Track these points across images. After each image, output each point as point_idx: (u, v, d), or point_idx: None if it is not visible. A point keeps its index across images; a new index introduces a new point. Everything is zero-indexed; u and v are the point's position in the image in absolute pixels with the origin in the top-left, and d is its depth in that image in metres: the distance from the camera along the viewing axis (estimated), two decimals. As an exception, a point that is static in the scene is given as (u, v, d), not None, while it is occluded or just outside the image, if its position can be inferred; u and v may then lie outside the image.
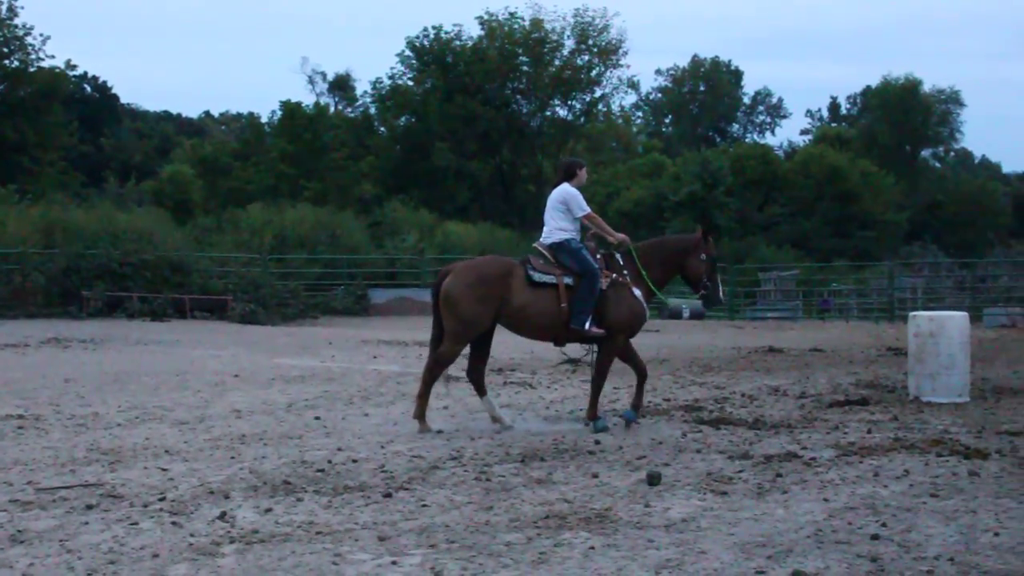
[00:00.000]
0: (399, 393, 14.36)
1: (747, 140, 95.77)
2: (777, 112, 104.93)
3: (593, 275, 11.27)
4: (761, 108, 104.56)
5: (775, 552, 6.46)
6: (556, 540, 6.73)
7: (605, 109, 69.34)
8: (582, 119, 66.02)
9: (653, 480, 8.42)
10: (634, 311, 11.54)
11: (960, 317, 13.96)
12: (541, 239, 11.68)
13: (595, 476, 8.77)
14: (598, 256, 11.55)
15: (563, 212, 11.54)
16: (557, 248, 11.48)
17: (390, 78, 63.26)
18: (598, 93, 65.46)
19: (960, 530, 6.98)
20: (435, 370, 11.48)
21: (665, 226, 61.14)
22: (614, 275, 11.47)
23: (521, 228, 56.41)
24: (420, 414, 11.32)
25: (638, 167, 72.65)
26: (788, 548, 6.55)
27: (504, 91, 62.36)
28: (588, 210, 11.60)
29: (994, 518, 7.28)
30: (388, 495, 8.07)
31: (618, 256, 11.69)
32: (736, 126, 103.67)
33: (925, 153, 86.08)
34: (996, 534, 6.86)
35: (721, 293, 12.27)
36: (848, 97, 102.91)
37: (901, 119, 79.86)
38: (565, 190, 11.62)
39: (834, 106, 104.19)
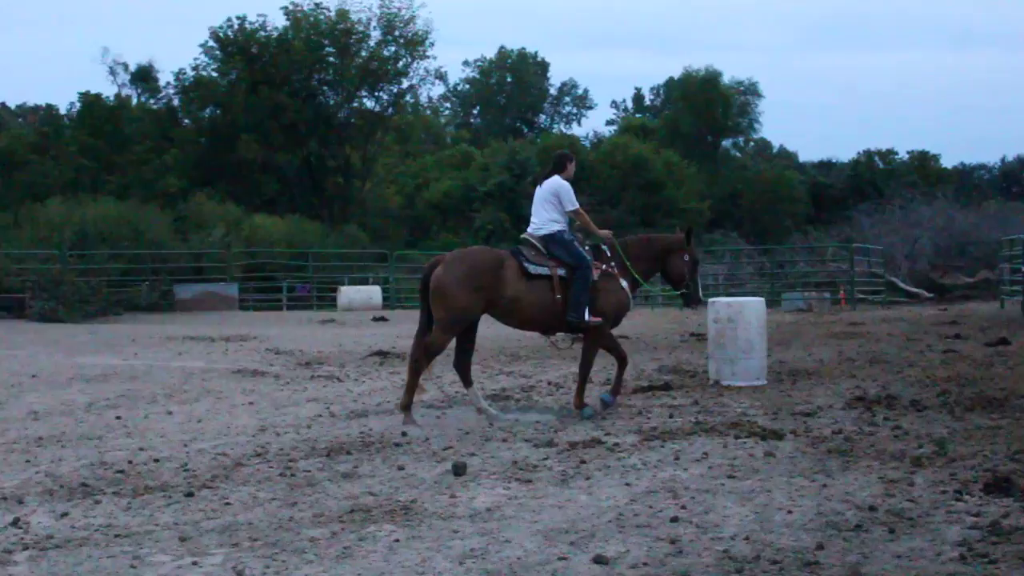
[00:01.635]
0: (204, 390, 14.13)
1: (554, 131, 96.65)
2: (583, 103, 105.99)
3: (587, 266, 11.47)
4: (567, 99, 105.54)
5: (578, 538, 6.55)
6: (360, 534, 6.71)
7: (413, 100, 69.20)
8: (390, 110, 65.78)
9: (459, 470, 8.45)
10: (621, 302, 11.83)
11: (757, 303, 14.36)
12: (532, 230, 11.75)
13: (401, 468, 8.77)
14: (586, 247, 11.75)
15: (554, 204, 11.68)
16: (550, 239, 11.60)
17: (194, 69, 62.03)
18: (405, 84, 65.33)
19: (755, 510, 7.19)
20: (423, 361, 11.31)
21: (475, 217, 61.41)
22: (604, 266, 11.69)
23: (329, 220, 56.03)
24: (406, 405, 11.16)
25: (447, 158, 72.72)
26: (590, 533, 6.65)
27: (311, 82, 61.78)
28: (577, 205, 11.76)
29: (787, 497, 7.51)
30: (190, 494, 7.93)
31: (605, 248, 11.90)
32: (543, 117, 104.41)
33: (726, 143, 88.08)
34: (789, 512, 7.08)
35: (700, 292, 12.73)
36: (652, 88, 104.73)
37: (702, 110, 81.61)
38: (557, 182, 11.73)
39: (638, 97, 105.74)
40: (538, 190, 11.90)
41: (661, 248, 12.33)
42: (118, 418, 11.84)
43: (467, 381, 11.69)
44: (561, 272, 11.43)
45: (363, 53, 62.34)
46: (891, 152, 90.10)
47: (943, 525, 6.70)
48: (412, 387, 11.24)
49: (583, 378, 11.74)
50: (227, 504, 7.63)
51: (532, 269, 11.37)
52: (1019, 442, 9.32)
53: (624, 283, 11.81)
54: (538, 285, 11.37)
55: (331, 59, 62.08)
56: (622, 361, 11.92)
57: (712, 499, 7.49)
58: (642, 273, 12.17)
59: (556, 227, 11.64)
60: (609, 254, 11.87)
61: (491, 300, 11.22)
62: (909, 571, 5.77)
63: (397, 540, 6.55)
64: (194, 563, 6.17)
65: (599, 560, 6.07)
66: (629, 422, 10.91)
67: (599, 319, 11.48)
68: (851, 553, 6.15)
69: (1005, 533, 6.40)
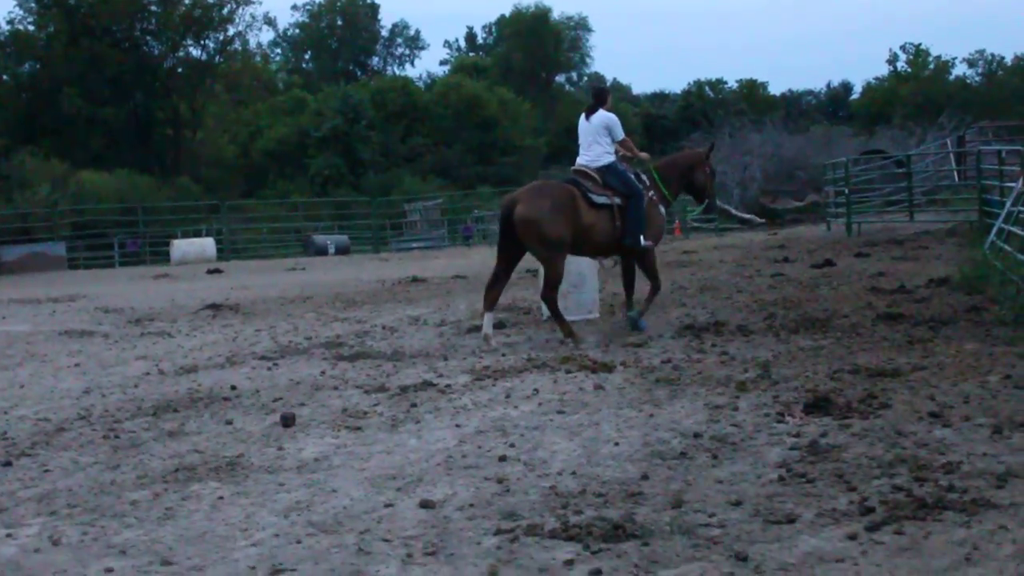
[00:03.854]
0: (28, 354, 13.68)
1: (387, 73, 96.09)
2: (415, 44, 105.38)
3: (640, 195, 12.26)
4: (399, 40, 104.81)
5: (405, 483, 6.49)
6: (184, 493, 6.55)
7: (241, 47, 68.05)
8: (217, 58, 64.65)
9: (287, 421, 8.32)
10: (662, 226, 13.02)
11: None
12: (586, 162, 12.44)
13: (229, 423, 8.60)
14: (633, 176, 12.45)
15: (606, 136, 12.42)
16: (606, 171, 12.30)
17: (9, 23, 60.18)
18: (232, 31, 64.35)
19: (583, 444, 7.20)
20: (552, 294, 12.01)
21: (310, 163, 60.74)
22: (650, 193, 12.51)
23: (160, 173, 54.86)
24: (569, 332, 11.83)
25: (279, 104, 71.75)
26: (418, 478, 6.59)
27: (133, 32, 60.39)
28: (624, 135, 12.63)
29: (615, 429, 7.55)
30: (8, 464, 7.64)
31: (644, 176, 12.60)
32: (376, 59, 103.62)
33: (559, 79, 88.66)
34: (616, 444, 7.12)
35: (716, 201, 14.21)
36: (484, 26, 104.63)
37: (534, 46, 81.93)
38: (607, 116, 12.49)
39: (470, 36, 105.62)
40: (585, 125, 12.57)
41: (686, 165, 13.31)
42: (-65, 388, 11.40)
43: (489, 306, 12.10)
44: (618, 201, 12.06)
45: (186, 1, 61.08)
46: (721, 82, 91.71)
47: (765, 448, 6.81)
48: (560, 317, 12.02)
49: (653, 293, 12.78)
50: (46, 471, 7.38)
51: (596, 199, 12.07)
52: (839, 361, 9.56)
53: (663, 209, 12.83)
54: (602, 214, 12.12)
55: (153, 7, 60.74)
56: (657, 285, 12.79)
57: (541, 436, 7.49)
58: (673, 193, 13.17)
59: (610, 158, 12.38)
60: (648, 181, 12.59)
61: (573, 229, 11.81)
62: (730, 495, 5.84)
63: (221, 497, 6.42)
64: (8, 535, 5.95)
65: (425, 504, 6.02)
66: (462, 362, 10.87)
67: (651, 242, 12.46)
68: (675, 481, 6.21)
69: (823, 452, 6.53)
